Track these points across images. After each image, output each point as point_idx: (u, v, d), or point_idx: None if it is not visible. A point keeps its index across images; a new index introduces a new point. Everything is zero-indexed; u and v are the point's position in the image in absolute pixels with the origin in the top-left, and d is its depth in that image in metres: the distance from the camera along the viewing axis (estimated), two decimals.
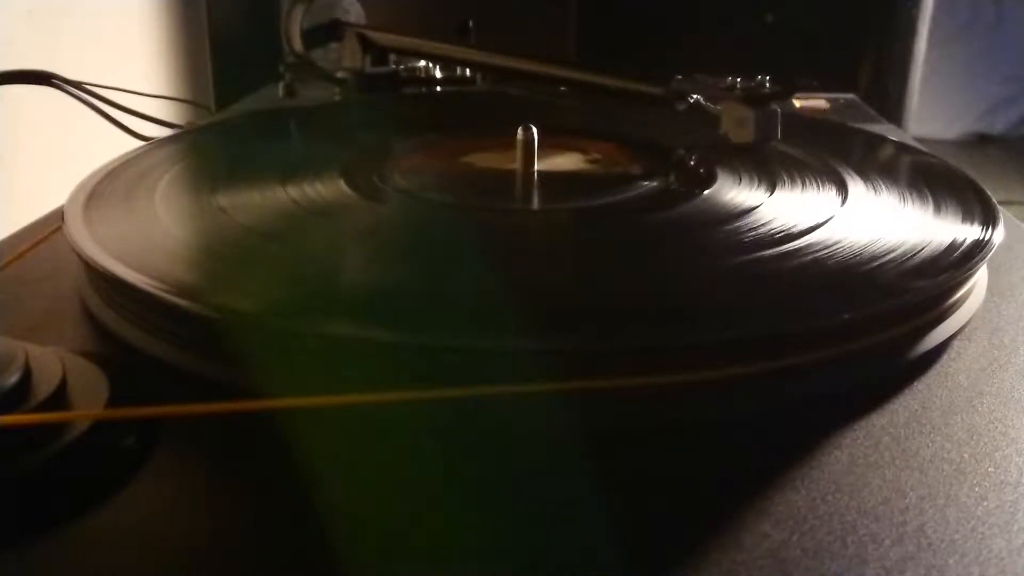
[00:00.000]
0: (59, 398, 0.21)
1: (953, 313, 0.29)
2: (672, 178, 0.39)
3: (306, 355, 0.24)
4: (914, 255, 0.29)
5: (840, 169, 0.39)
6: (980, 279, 0.32)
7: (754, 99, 0.43)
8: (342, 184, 0.37)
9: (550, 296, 0.27)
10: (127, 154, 0.41)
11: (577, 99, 0.59)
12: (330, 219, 0.34)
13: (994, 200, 0.35)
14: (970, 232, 0.31)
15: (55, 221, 0.35)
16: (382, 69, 0.64)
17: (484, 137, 0.44)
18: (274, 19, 0.76)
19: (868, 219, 0.33)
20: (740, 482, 0.21)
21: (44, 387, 0.21)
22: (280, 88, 0.66)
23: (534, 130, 0.39)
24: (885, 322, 0.26)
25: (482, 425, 0.22)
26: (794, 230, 0.31)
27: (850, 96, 0.73)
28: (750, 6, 0.81)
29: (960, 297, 0.29)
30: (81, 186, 0.35)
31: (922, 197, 0.35)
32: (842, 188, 0.36)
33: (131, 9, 0.74)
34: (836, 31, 0.81)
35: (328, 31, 0.65)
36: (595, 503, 0.20)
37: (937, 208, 0.34)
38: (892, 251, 0.29)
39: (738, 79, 0.46)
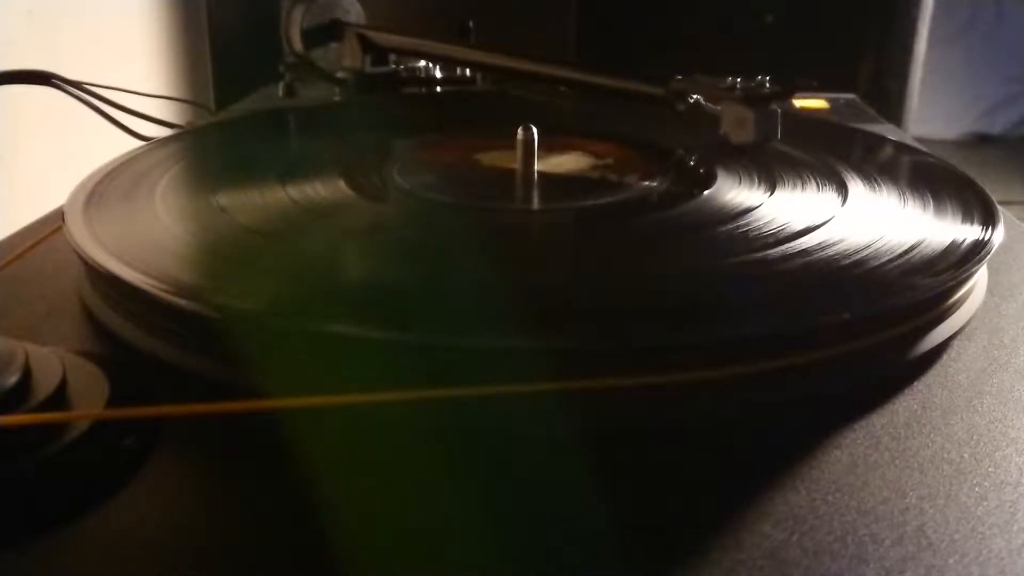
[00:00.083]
0: (59, 398, 0.21)
1: (953, 313, 0.29)
2: (672, 178, 0.39)
3: (306, 355, 0.24)
4: (914, 255, 0.29)
5: (840, 169, 0.39)
6: (980, 279, 0.32)
7: (754, 99, 0.43)
8: (342, 184, 0.37)
9: (550, 296, 0.27)
10: (127, 154, 0.41)
11: (577, 99, 0.59)
12: (330, 219, 0.34)
13: (994, 200, 0.35)
14: (970, 232, 0.31)
15: (55, 221, 0.35)
16: (382, 69, 0.64)
17: (484, 137, 0.44)
18: (274, 19, 0.76)
19: (868, 219, 0.33)
20: (740, 482, 0.21)
21: (44, 387, 0.21)
22: (280, 88, 0.66)
23: (534, 130, 0.39)
24: (885, 322, 0.26)
25: (482, 425, 0.22)
26: (794, 230, 0.31)
27: (850, 96, 0.73)
28: (750, 6, 0.81)
29: (960, 297, 0.29)
30: (81, 186, 0.35)
31: (922, 197, 0.35)
32: (842, 188, 0.36)
33: (131, 9, 0.74)
34: (836, 31, 0.81)
35: (328, 31, 0.65)
36: (595, 503, 0.20)
37: (937, 208, 0.34)
38: (892, 251, 0.29)
39: (738, 79, 0.46)
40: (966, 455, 0.22)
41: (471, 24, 0.65)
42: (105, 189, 0.35)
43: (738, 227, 0.32)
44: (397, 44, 0.62)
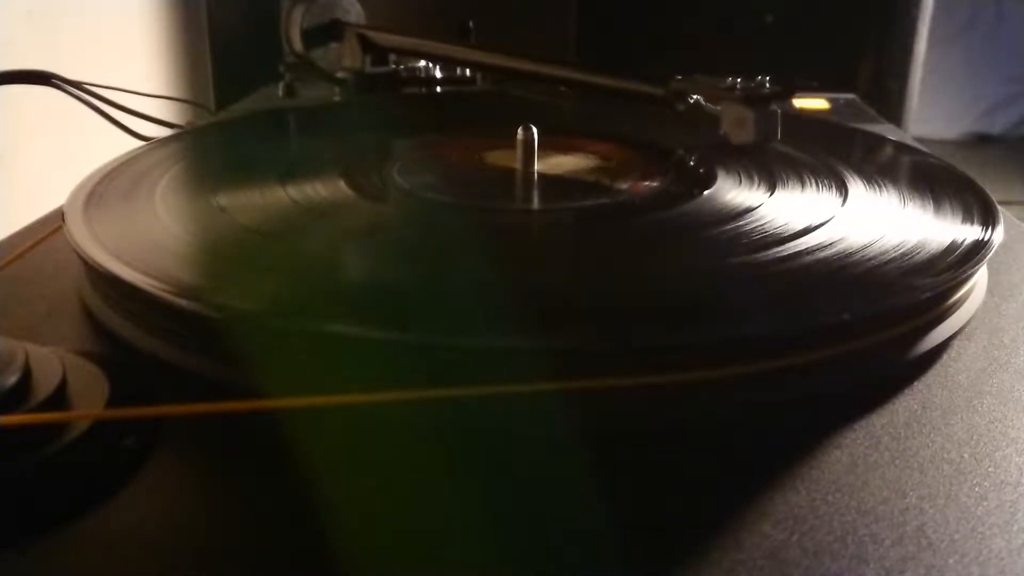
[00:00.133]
0: (59, 398, 0.21)
1: (953, 313, 0.29)
2: (672, 178, 0.39)
3: (306, 355, 0.24)
4: (914, 255, 0.29)
5: (840, 169, 0.39)
6: (980, 279, 0.32)
7: (754, 99, 0.43)
8: (342, 184, 0.37)
9: (550, 296, 0.27)
10: (127, 154, 0.41)
11: (577, 99, 0.59)
12: (330, 219, 0.34)
13: (994, 200, 0.35)
14: (970, 232, 0.31)
15: (55, 221, 0.35)
16: (382, 69, 0.64)
17: (484, 137, 0.44)
18: (274, 19, 0.76)
19: (868, 219, 0.33)
20: (740, 482, 0.21)
21: (44, 387, 0.21)
22: (280, 88, 0.66)
23: (534, 130, 0.39)
24: (885, 322, 0.26)
25: (482, 425, 0.22)
26: (794, 230, 0.31)
27: (850, 96, 0.73)
28: (750, 6, 0.81)
29: (960, 297, 0.29)
30: (81, 186, 0.35)
31: (922, 197, 0.35)
32: (842, 188, 0.36)
33: (131, 9, 0.74)
34: (836, 31, 0.81)
35: (328, 31, 0.65)
36: (595, 503, 0.20)
37: (937, 208, 0.34)
38: (892, 251, 0.29)
39: (738, 79, 0.46)
40: (966, 455, 0.22)
41: (471, 24, 0.65)
42: (105, 189, 0.35)
43: (738, 227, 0.32)
44: (397, 44, 0.62)
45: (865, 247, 0.30)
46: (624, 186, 0.38)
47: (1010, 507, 0.20)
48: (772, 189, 0.36)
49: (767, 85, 0.45)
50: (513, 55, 0.55)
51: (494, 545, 0.18)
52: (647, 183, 0.38)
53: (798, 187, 0.37)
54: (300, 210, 0.34)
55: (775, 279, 0.28)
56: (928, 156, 0.45)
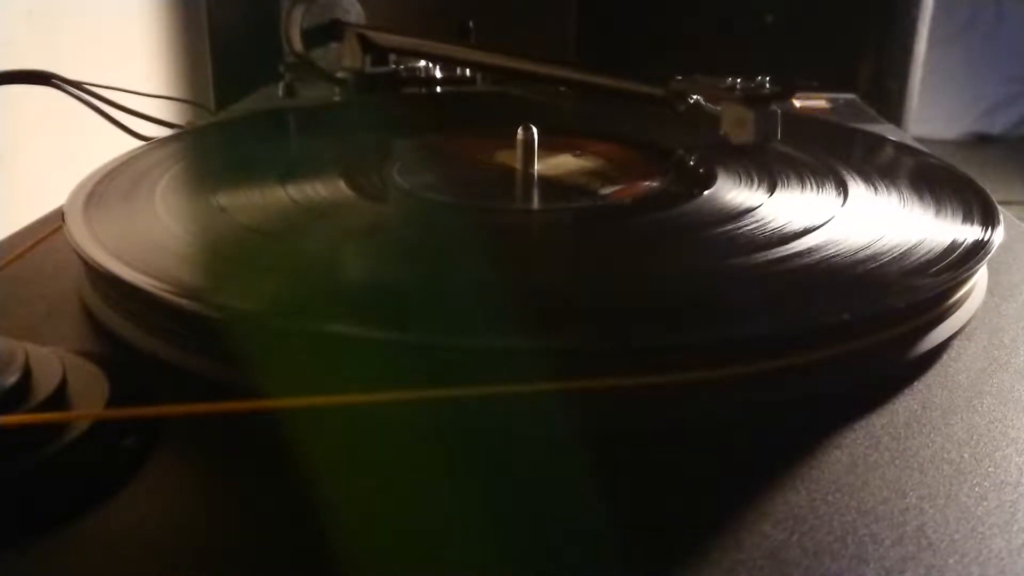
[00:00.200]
0: (59, 398, 0.21)
1: (953, 313, 0.29)
2: (672, 178, 0.39)
3: (306, 355, 0.24)
4: (914, 255, 0.29)
5: (840, 169, 0.39)
6: (980, 279, 0.32)
7: (754, 99, 0.43)
8: (342, 184, 0.37)
9: (550, 296, 0.27)
10: (127, 154, 0.41)
11: (577, 99, 0.59)
12: (330, 219, 0.34)
13: (994, 200, 0.35)
14: (970, 232, 0.31)
15: (55, 221, 0.35)
16: (382, 69, 0.64)
17: (484, 137, 0.44)
18: (274, 19, 0.76)
19: (868, 219, 0.33)
20: (740, 482, 0.21)
21: (44, 387, 0.21)
22: (280, 88, 0.66)
23: (534, 130, 0.39)
24: (885, 322, 0.26)
25: (482, 425, 0.22)
26: (794, 230, 0.31)
27: (850, 96, 0.73)
28: (750, 6, 0.81)
29: (960, 297, 0.29)
30: (81, 186, 0.35)
31: (922, 197, 0.35)
32: (842, 188, 0.36)
33: (131, 9, 0.74)
34: (836, 31, 0.81)
35: (328, 31, 0.65)
36: (595, 503, 0.20)
37: (937, 208, 0.34)
38: (892, 251, 0.29)
39: (738, 79, 0.46)
40: (966, 455, 0.22)
41: (471, 24, 0.65)
42: (105, 189, 0.35)
43: (738, 227, 0.32)
44: (397, 44, 0.62)
45: (865, 247, 0.30)
46: (611, 190, 0.38)
47: (1010, 507, 0.20)
48: (772, 189, 0.36)
49: (767, 85, 0.45)
50: (513, 55, 0.55)
51: (494, 545, 0.18)
52: (647, 183, 0.38)
53: (798, 187, 0.37)
54: (300, 210, 0.34)
55: (775, 279, 0.28)
56: (928, 156, 0.45)
